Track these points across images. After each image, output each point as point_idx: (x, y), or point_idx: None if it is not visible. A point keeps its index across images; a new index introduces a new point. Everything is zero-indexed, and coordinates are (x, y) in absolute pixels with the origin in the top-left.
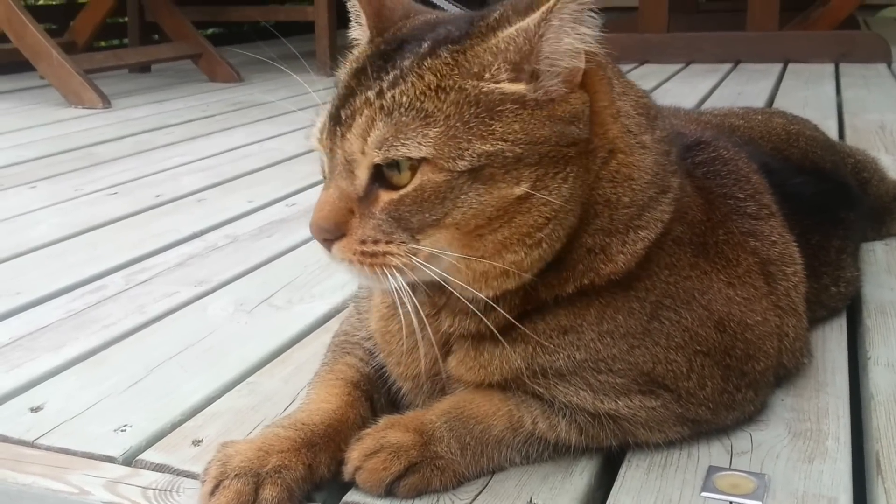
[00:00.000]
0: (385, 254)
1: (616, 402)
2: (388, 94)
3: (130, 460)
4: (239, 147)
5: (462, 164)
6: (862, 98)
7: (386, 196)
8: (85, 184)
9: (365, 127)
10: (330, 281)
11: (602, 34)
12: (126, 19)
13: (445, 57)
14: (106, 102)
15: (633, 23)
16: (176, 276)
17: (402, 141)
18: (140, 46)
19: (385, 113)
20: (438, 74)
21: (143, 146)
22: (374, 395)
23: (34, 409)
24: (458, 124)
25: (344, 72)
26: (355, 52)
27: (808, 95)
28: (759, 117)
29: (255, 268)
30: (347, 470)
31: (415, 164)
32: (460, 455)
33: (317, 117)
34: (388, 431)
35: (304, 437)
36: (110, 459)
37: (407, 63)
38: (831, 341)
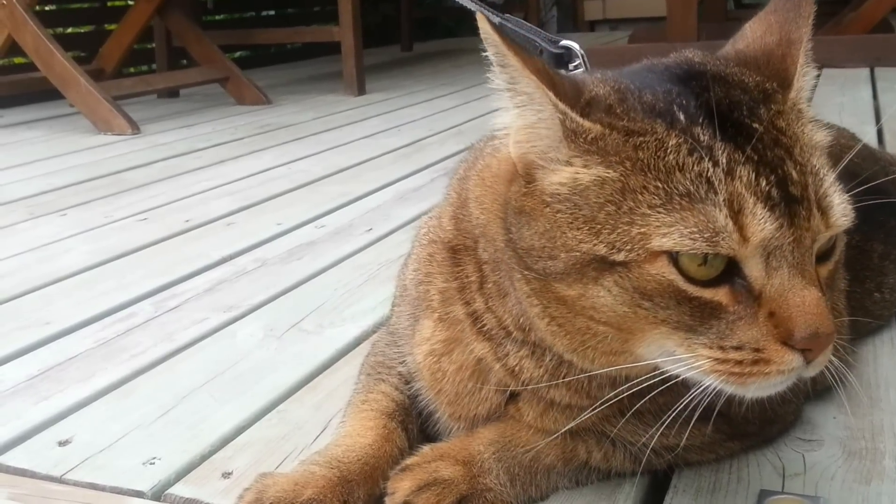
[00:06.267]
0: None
1: (679, 435)
2: (799, 157)
3: (159, 495)
4: (267, 169)
5: None
6: None
7: (823, 270)
8: (114, 210)
9: (821, 199)
10: (361, 304)
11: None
12: (154, 45)
13: (787, 109)
14: (135, 128)
15: (662, 32)
16: (205, 301)
17: (844, 199)
18: (168, 72)
19: (823, 177)
20: (797, 130)
21: (172, 171)
22: (409, 424)
23: (62, 443)
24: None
25: (686, 149)
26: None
27: (845, 101)
28: None
29: (285, 292)
30: (394, 500)
31: None
32: (510, 486)
33: (711, 213)
34: (439, 464)
35: (340, 475)
36: (139, 494)
37: (758, 125)
38: (883, 356)
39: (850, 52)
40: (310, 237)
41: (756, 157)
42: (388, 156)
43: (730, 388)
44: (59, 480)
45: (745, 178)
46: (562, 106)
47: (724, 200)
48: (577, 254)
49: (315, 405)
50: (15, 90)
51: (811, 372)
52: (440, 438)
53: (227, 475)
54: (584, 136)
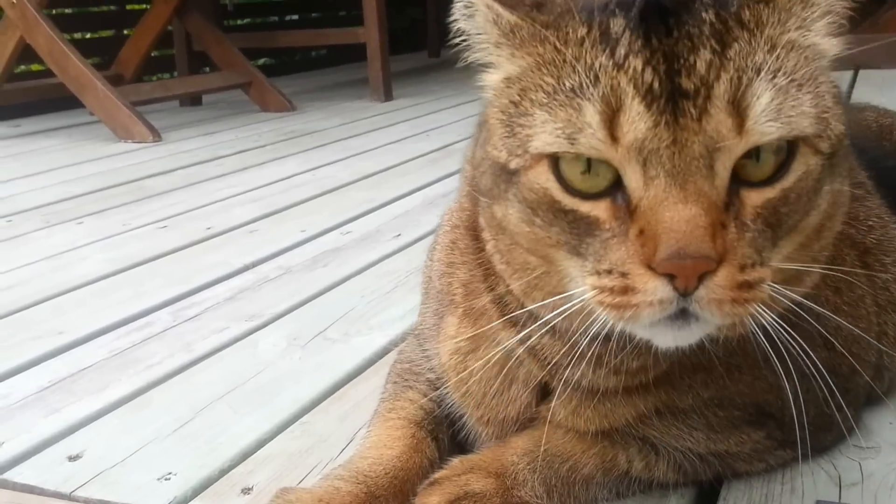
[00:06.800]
0: (761, 281)
1: (728, 439)
2: (732, 52)
3: None
4: (291, 176)
5: (824, 146)
6: None
7: (756, 196)
8: (133, 218)
9: (740, 98)
10: (389, 312)
11: None
12: (174, 51)
13: (759, 7)
14: (156, 136)
15: None
16: (226, 310)
17: (793, 109)
18: (188, 76)
19: (755, 72)
20: (768, 25)
21: (193, 178)
22: (440, 433)
23: (72, 458)
24: (808, 91)
25: (579, 45)
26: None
27: (884, 102)
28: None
29: (309, 299)
30: None
31: (782, 147)
32: (546, 499)
33: (572, 110)
34: (470, 477)
35: (367, 491)
36: None
37: (711, 15)
38: None
39: (889, 53)
40: (335, 244)
41: (661, 48)
42: (417, 161)
43: (618, 323)
44: (68, 498)
45: (632, 70)
46: None
47: (601, 95)
48: (490, 162)
49: (340, 417)
50: (31, 97)
51: (706, 315)
52: (471, 446)
53: (246, 491)
54: (501, 28)
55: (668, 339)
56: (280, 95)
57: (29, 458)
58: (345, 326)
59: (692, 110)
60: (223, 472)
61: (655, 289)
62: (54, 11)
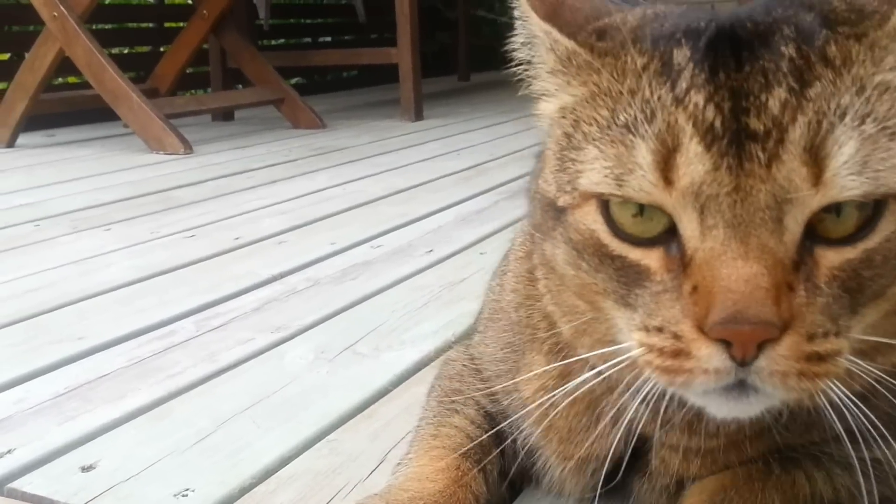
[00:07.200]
0: (836, 354)
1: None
2: (813, 93)
3: None
4: (321, 189)
5: None
6: None
7: (834, 256)
8: (161, 227)
9: (815, 142)
10: (421, 327)
11: None
12: (209, 68)
13: (848, 42)
14: (188, 148)
15: None
16: (252, 321)
17: (882, 162)
18: (222, 91)
19: (839, 116)
20: (857, 63)
21: (223, 190)
22: (488, 465)
23: (85, 469)
24: None
25: (637, 77)
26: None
27: None
28: None
29: (338, 312)
30: None
31: (868, 202)
32: None
33: (622, 147)
34: None
35: None
36: None
37: (792, 50)
38: None
39: None
40: (365, 257)
41: (729, 83)
42: (448, 178)
43: (669, 388)
44: None
45: (692, 106)
46: (545, 25)
47: (656, 132)
48: (540, 196)
49: (371, 435)
50: (66, 107)
51: (767, 388)
52: (538, 479)
53: None
54: (558, 55)
55: (724, 409)
56: (311, 113)
57: (40, 466)
58: (375, 341)
59: (760, 154)
60: (244, 491)
61: (710, 356)
62: (94, 26)
